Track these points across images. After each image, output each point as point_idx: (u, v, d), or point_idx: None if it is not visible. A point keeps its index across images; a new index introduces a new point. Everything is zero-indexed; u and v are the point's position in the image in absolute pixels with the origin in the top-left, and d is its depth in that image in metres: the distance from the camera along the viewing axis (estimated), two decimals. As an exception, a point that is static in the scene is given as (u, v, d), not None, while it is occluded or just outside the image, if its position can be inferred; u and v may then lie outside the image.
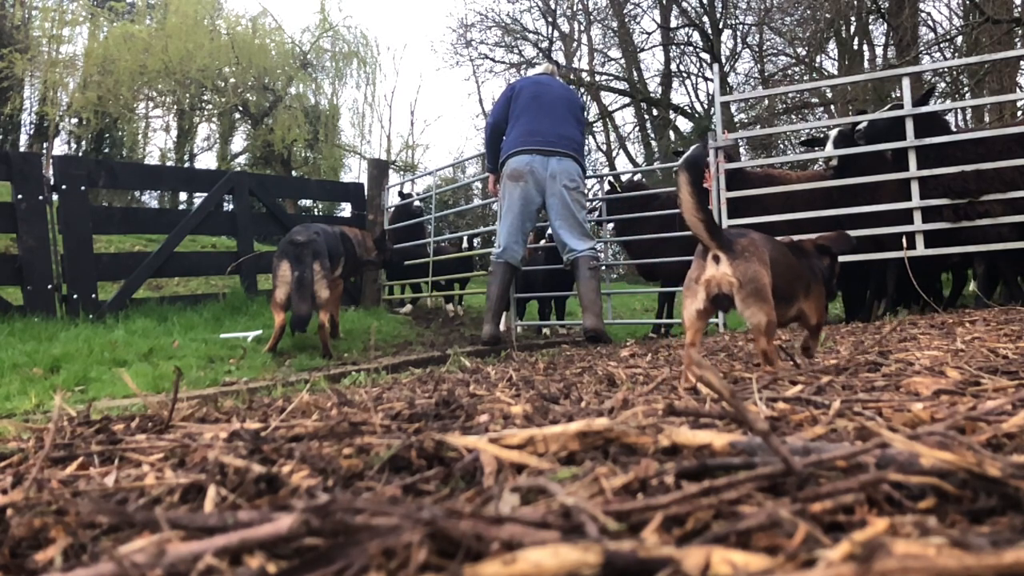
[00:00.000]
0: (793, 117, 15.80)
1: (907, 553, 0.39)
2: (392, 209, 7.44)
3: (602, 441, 0.74)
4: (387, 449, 0.78)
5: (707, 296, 1.54)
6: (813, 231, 3.86)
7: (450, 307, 7.48)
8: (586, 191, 4.90)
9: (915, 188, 4.27)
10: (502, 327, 4.98)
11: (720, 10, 18.57)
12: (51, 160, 5.73)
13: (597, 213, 6.07)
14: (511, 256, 4.62)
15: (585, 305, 4.42)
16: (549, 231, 5.38)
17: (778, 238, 1.76)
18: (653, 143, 19.58)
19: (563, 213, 4.51)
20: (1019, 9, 11.02)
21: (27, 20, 17.40)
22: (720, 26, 18.69)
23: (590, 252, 4.51)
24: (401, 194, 7.94)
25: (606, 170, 18.94)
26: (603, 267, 5.24)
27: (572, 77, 18.32)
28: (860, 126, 4.67)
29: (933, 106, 4.66)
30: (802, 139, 6.64)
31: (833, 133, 4.87)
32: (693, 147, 5.25)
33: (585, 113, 5.08)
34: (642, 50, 19.98)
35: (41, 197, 5.09)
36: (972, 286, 5.36)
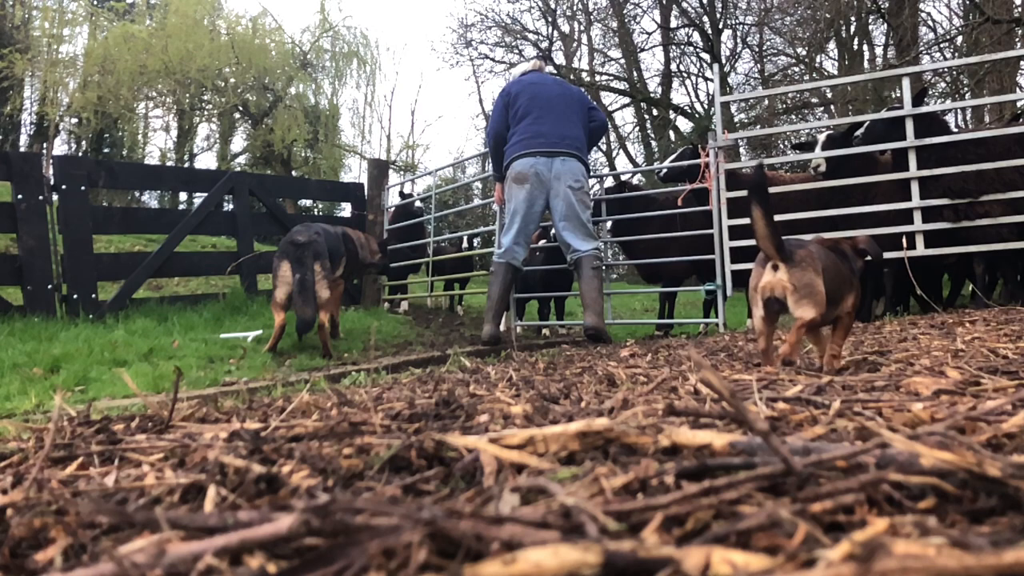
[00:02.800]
0: (793, 117, 15.81)
1: (907, 553, 0.39)
2: (392, 209, 7.45)
3: (602, 441, 0.74)
4: (387, 449, 0.78)
5: (762, 301, 1.71)
6: (809, 231, 3.87)
7: (460, 308, 7.53)
8: (590, 190, 4.90)
9: (915, 188, 4.27)
10: (502, 327, 4.98)
11: (720, 10, 18.58)
12: (51, 160, 5.73)
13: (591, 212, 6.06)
14: (513, 257, 4.62)
15: (587, 304, 4.43)
16: (553, 231, 5.37)
17: (811, 236, 1.91)
18: (653, 143, 19.59)
19: (567, 214, 4.51)
20: (1019, 9, 11.02)
21: (27, 20, 17.40)
22: (720, 26, 18.69)
23: (594, 252, 4.52)
24: (402, 194, 7.94)
25: (606, 170, 18.95)
26: (604, 267, 5.24)
27: (572, 77, 18.33)
28: (860, 130, 4.67)
29: (933, 106, 4.66)
30: (798, 141, 6.65)
31: (822, 137, 4.87)
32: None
33: (587, 100, 5.00)
34: (642, 50, 20.00)
35: (41, 197, 5.09)
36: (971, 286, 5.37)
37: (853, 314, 1.86)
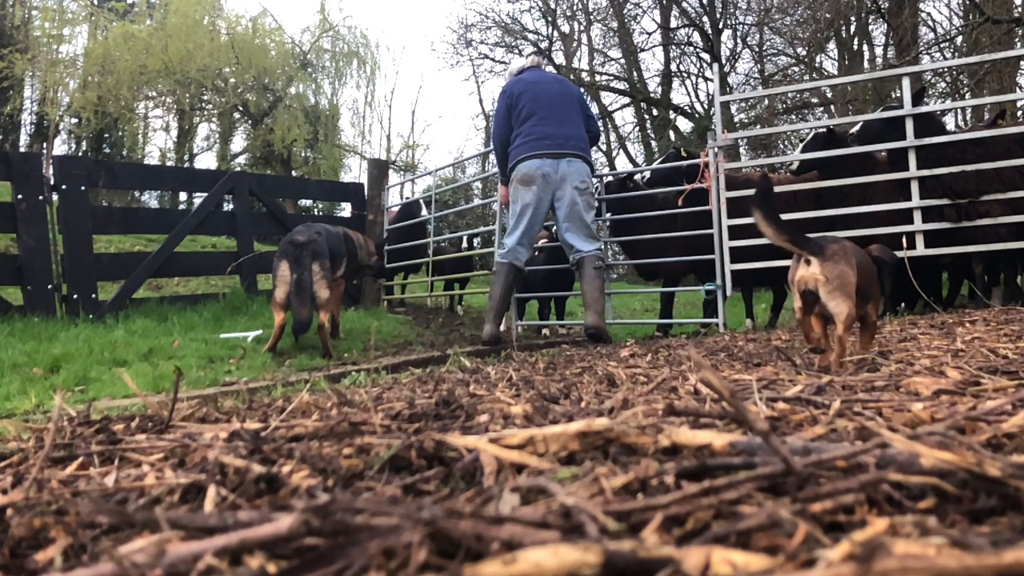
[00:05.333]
0: (793, 117, 15.81)
1: (907, 553, 0.39)
2: (397, 208, 7.47)
3: (602, 441, 0.74)
4: (387, 449, 0.78)
5: (799, 292, 1.80)
6: (806, 231, 3.87)
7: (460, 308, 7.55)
8: (594, 191, 4.90)
9: (915, 188, 4.27)
10: (502, 327, 4.98)
11: (720, 10, 18.58)
12: (51, 160, 5.73)
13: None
14: (516, 257, 4.62)
15: (588, 303, 4.43)
16: (555, 231, 5.37)
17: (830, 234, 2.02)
18: (653, 143, 19.59)
19: (570, 215, 4.52)
20: (1019, 9, 11.02)
21: (27, 20, 17.39)
22: (720, 26, 18.71)
23: (596, 252, 4.52)
24: (404, 197, 7.96)
25: (606, 170, 18.95)
26: (606, 267, 5.24)
27: (572, 77, 18.33)
28: (854, 128, 4.67)
29: (933, 106, 4.65)
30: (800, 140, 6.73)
31: (809, 136, 4.87)
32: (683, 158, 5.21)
33: (587, 99, 5.05)
34: (642, 50, 20.01)
35: (41, 197, 5.08)
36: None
37: (876, 316, 1.94)
